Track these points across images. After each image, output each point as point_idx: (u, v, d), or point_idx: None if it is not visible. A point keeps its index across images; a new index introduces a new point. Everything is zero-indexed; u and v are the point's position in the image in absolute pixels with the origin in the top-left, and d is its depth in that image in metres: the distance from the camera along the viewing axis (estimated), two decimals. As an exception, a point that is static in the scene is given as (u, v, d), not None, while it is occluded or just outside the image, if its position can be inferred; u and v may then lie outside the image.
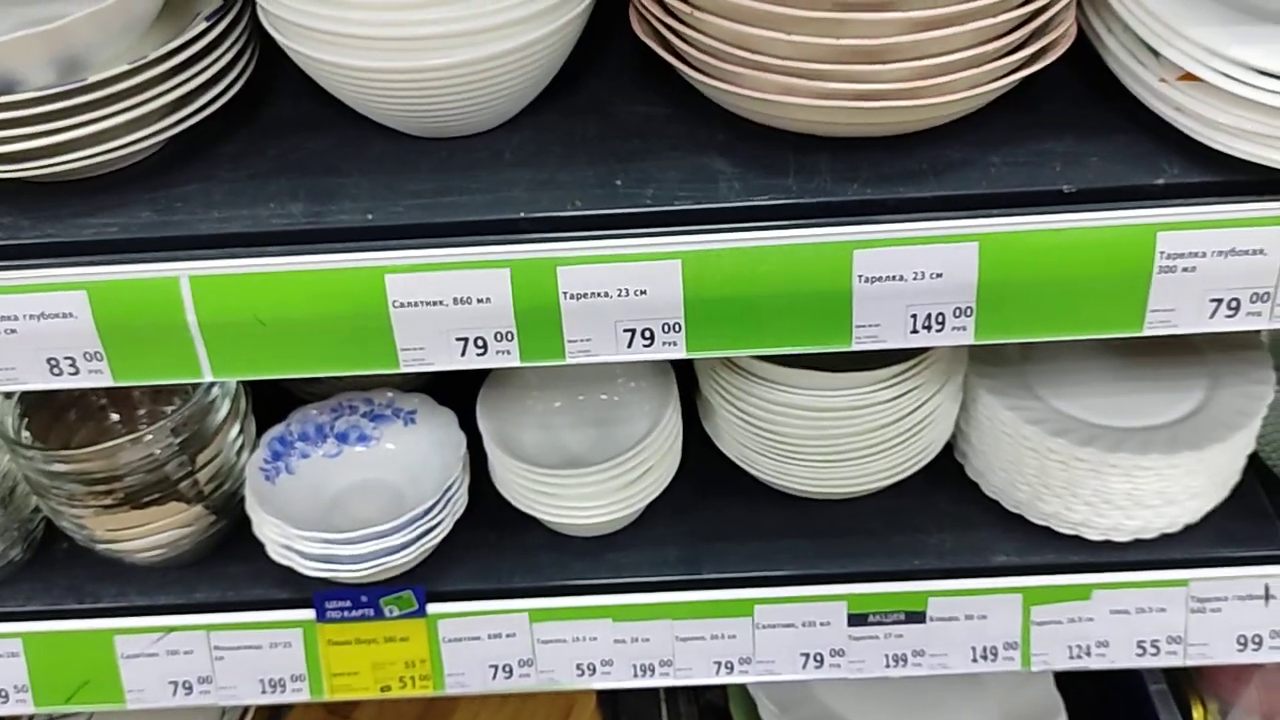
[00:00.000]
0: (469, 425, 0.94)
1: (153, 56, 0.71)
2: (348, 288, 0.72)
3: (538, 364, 0.75)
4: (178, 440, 0.89)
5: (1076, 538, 0.93)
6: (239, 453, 0.95)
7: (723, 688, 1.26)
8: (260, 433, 0.97)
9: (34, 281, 0.72)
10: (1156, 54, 0.70)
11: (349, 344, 0.74)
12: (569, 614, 0.94)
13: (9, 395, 0.92)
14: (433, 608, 0.94)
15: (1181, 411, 0.92)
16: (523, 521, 0.95)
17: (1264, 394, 0.92)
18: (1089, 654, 0.94)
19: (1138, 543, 0.92)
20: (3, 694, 0.96)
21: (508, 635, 0.95)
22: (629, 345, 0.74)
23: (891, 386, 0.88)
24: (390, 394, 0.99)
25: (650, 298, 0.72)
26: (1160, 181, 0.70)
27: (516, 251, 0.71)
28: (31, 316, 0.73)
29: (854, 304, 0.72)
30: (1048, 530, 0.94)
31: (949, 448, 0.99)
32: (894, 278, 0.71)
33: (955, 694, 1.17)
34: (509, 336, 0.74)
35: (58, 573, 0.97)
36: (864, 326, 0.73)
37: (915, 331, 0.73)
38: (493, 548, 0.97)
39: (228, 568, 0.96)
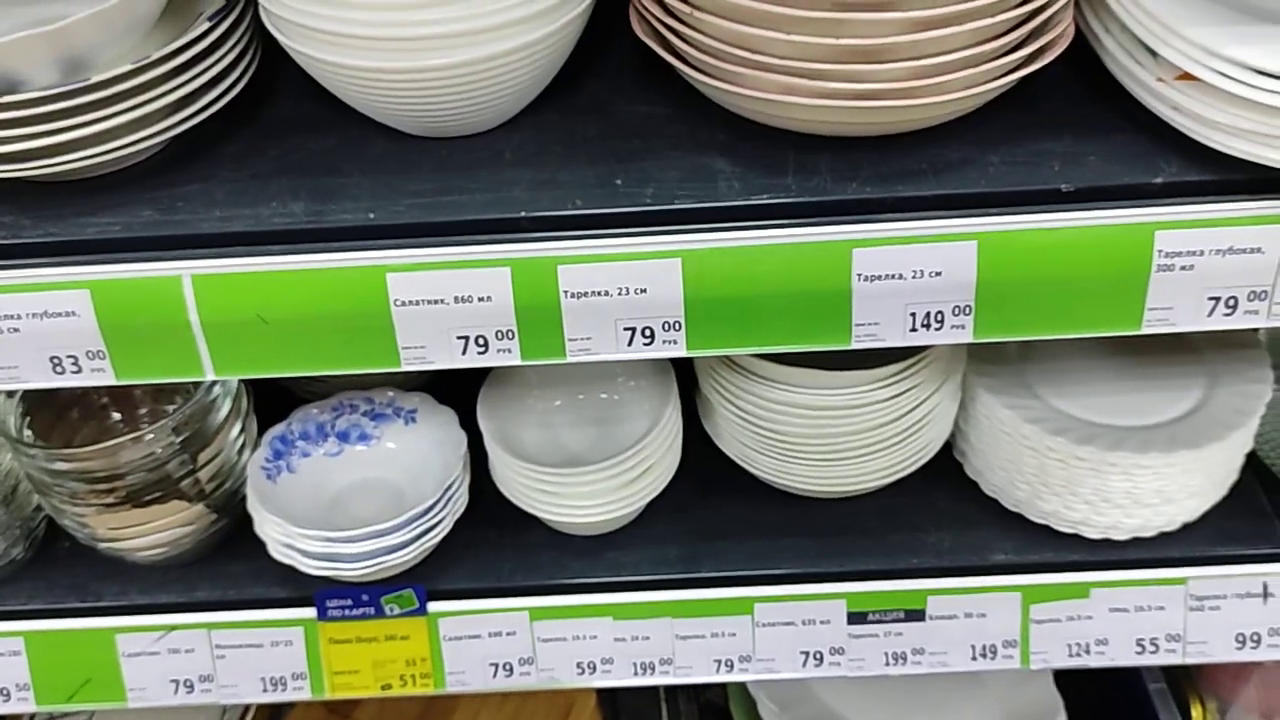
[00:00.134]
0: (469, 424, 0.94)
1: (155, 57, 0.71)
2: (349, 287, 0.72)
3: (538, 362, 0.75)
4: (179, 439, 0.89)
5: (1075, 536, 0.93)
6: (240, 451, 0.96)
7: (722, 687, 1.26)
8: (261, 432, 0.97)
9: (37, 280, 0.73)
10: (1154, 54, 0.70)
11: (350, 342, 0.74)
12: (569, 612, 0.94)
13: (11, 394, 0.92)
14: (433, 606, 0.94)
15: (1180, 410, 0.93)
16: (523, 520, 0.96)
17: (1262, 393, 0.93)
18: (1088, 652, 0.94)
19: (1136, 541, 0.93)
20: (4, 692, 0.96)
21: (508, 634, 0.95)
22: (629, 344, 0.74)
23: (890, 385, 0.88)
24: (391, 393, 1.00)
25: (650, 296, 0.72)
26: (1158, 180, 0.70)
27: (517, 250, 0.71)
28: (34, 315, 0.73)
29: (853, 302, 0.72)
30: (1047, 529, 0.94)
31: (948, 446, 0.99)
32: (893, 276, 0.71)
33: (955, 693, 1.17)
34: (510, 335, 0.74)
35: (59, 571, 0.98)
36: (863, 325, 0.73)
37: (914, 330, 0.73)
38: (493, 546, 0.97)
39: (229, 566, 0.97)
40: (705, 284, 0.72)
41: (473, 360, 0.75)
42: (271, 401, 1.01)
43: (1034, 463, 0.91)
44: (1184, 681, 1.16)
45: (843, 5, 0.65)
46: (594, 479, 0.90)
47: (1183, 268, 0.71)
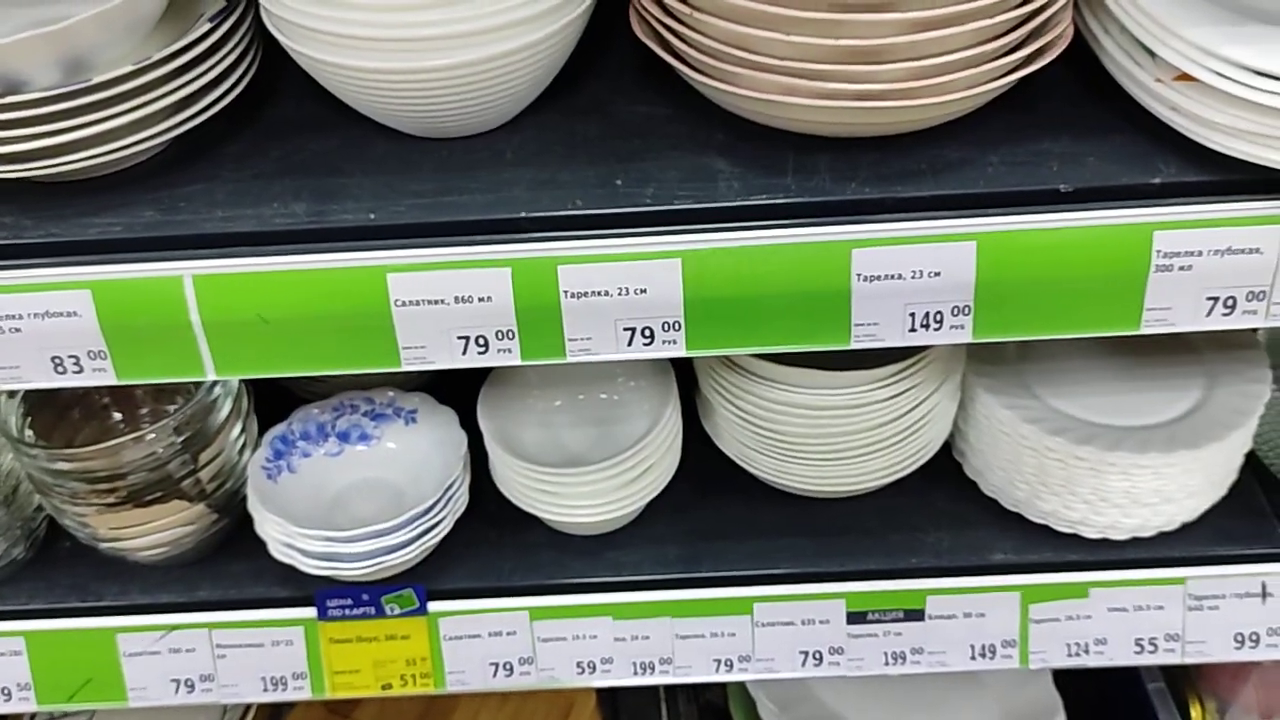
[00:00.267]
0: (469, 424, 0.94)
1: (157, 57, 0.71)
2: (350, 287, 0.73)
3: (538, 362, 0.75)
4: (180, 439, 0.90)
5: (1074, 536, 0.93)
6: (241, 451, 0.96)
7: (722, 687, 1.26)
8: (262, 432, 0.97)
9: (38, 281, 0.73)
10: (1153, 54, 0.70)
11: (351, 342, 0.75)
12: (569, 612, 0.95)
13: (13, 394, 0.92)
14: (433, 606, 0.94)
15: (1179, 410, 0.93)
16: (523, 520, 0.96)
17: (1261, 393, 0.93)
18: (1087, 652, 0.94)
19: (1135, 541, 0.93)
20: (5, 692, 0.97)
21: (508, 633, 0.95)
22: (629, 344, 0.74)
23: (890, 385, 0.88)
24: (391, 393, 1.00)
25: (650, 296, 0.72)
26: (1156, 181, 0.70)
27: (517, 250, 0.72)
28: (36, 315, 0.74)
29: (852, 302, 0.72)
30: (1046, 528, 0.94)
31: (947, 446, 0.99)
32: (892, 276, 0.72)
33: (955, 693, 1.17)
34: (510, 335, 0.74)
35: (60, 571, 0.98)
36: (862, 325, 0.73)
37: (913, 330, 0.74)
38: (493, 546, 0.97)
39: (230, 566, 0.97)
40: (705, 284, 0.72)
41: (473, 360, 0.75)
42: (272, 402, 1.01)
43: (1033, 463, 0.91)
44: (1183, 681, 1.17)
45: (842, 6, 0.66)
46: (594, 479, 0.90)
47: (1181, 268, 0.71)
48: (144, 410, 0.99)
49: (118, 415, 0.99)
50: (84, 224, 0.74)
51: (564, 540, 0.97)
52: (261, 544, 0.92)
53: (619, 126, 0.78)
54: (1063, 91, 0.77)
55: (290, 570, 0.91)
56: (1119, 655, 0.94)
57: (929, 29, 0.66)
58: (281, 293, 0.73)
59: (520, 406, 0.98)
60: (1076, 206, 0.70)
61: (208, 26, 0.74)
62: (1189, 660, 0.94)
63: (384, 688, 0.97)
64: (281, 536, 0.90)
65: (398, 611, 0.94)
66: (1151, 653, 0.94)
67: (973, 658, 0.95)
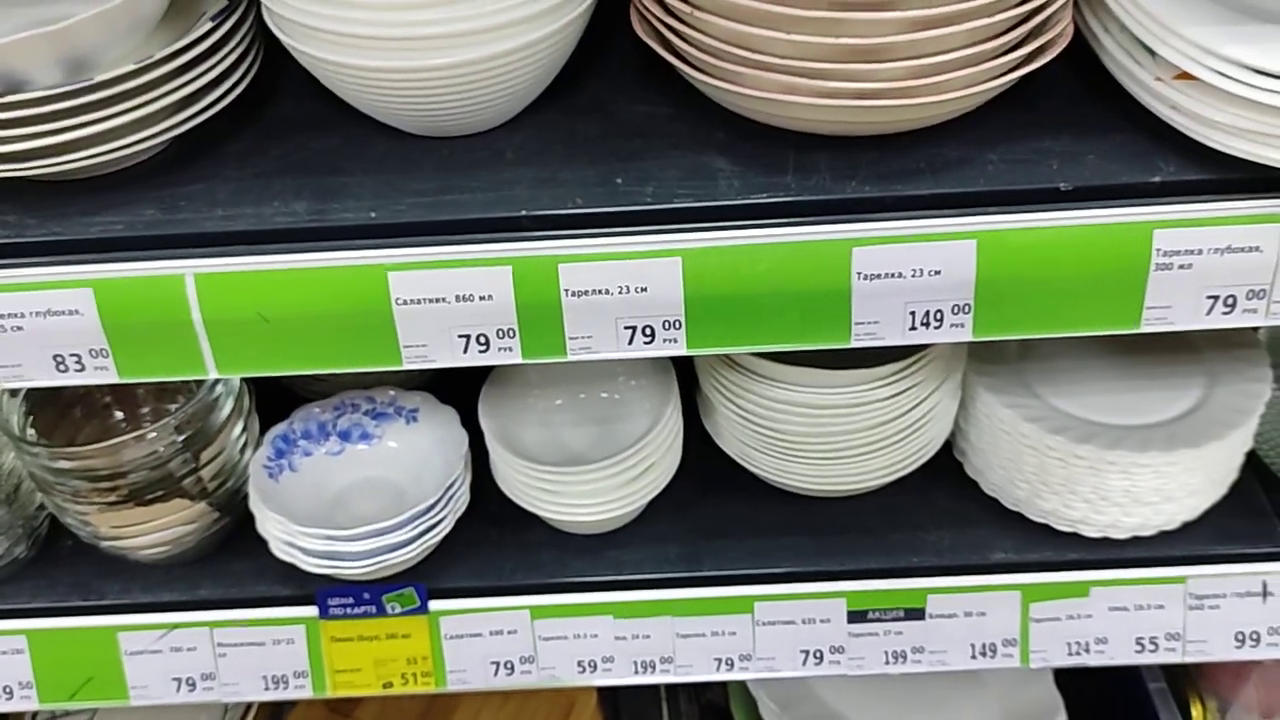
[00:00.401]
0: (471, 423, 0.95)
1: (158, 56, 0.72)
2: (351, 285, 0.73)
3: (539, 361, 0.75)
4: (181, 438, 0.90)
5: (1075, 535, 0.93)
6: (242, 450, 0.96)
7: (723, 686, 1.26)
8: (263, 431, 0.97)
9: (40, 279, 0.73)
10: (1153, 53, 0.70)
11: (352, 341, 0.75)
12: (570, 611, 0.95)
13: (15, 393, 0.93)
14: (435, 604, 0.94)
15: (1179, 409, 0.93)
16: (524, 519, 0.96)
17: (1261, 392, 0.93)
18: (1088, 651, 0.94)
19: (1136, 540, 0.93)
20: (7, 690, 0.97)
21: (509, 632, 0.95)
22: (629, 342, 0.74)
23: (890, 384, 0.88)
24: (392, 392, 1.00)
25: (650, 295, 0.73)
26: (1157, 179, 0.70)
27: (518, 249, 0.72)
28: (38, 314, 0.74)
29: (853, 301, 0.72)
30: (1046, 527, 0.94)
31: (948, 445, 0.99)
32: (892, 275, 0.72)
33: (956, 692, 1.17)
34: (511, 333, 0.74)
35: (62, 570, 0.98)
36: (863, 323, 0.73)
37: (914, 328, 0.74)
38: (494, 545, 0.97)
39: (231, 565, 0.97)
40: (705, 283, 0.72)
41: (474, 359, 0.75)
42: (273, 401, 1.01)
43: (1033, 461, 0.91)
44: (1184, 681, 1.17)
45: (841, 5, 0.66)
46: (595, 478, 0.90)
47: (1181, 266, 0.71)
48: (145, 409, 0.99)
49: (119, 414, 1.00)
50: (85, 223, 0.74)
51: (565, 539, 0.97)
52: (263, 543, 0.92)
53: (619, 125, 0.78)
54: (1063, 90, 0.77)
55: (291, 569, 0.91)
56: (1120, 654, 0.94)
57: (929, 28, 0.66)
58: (282, 291, 0.73)
59: (521, 405, 0.98)
60: (1076, 205, 0.70)
61: (209, 26, 0.74)
62: (1190, 659, 0.94)
63: (385, 686, 0.97)
64: (283, 535, 0.90)
65: (399, 610, 0.94)
66: (1152, 652, 0.94)
67: (973, 657, 0.95)
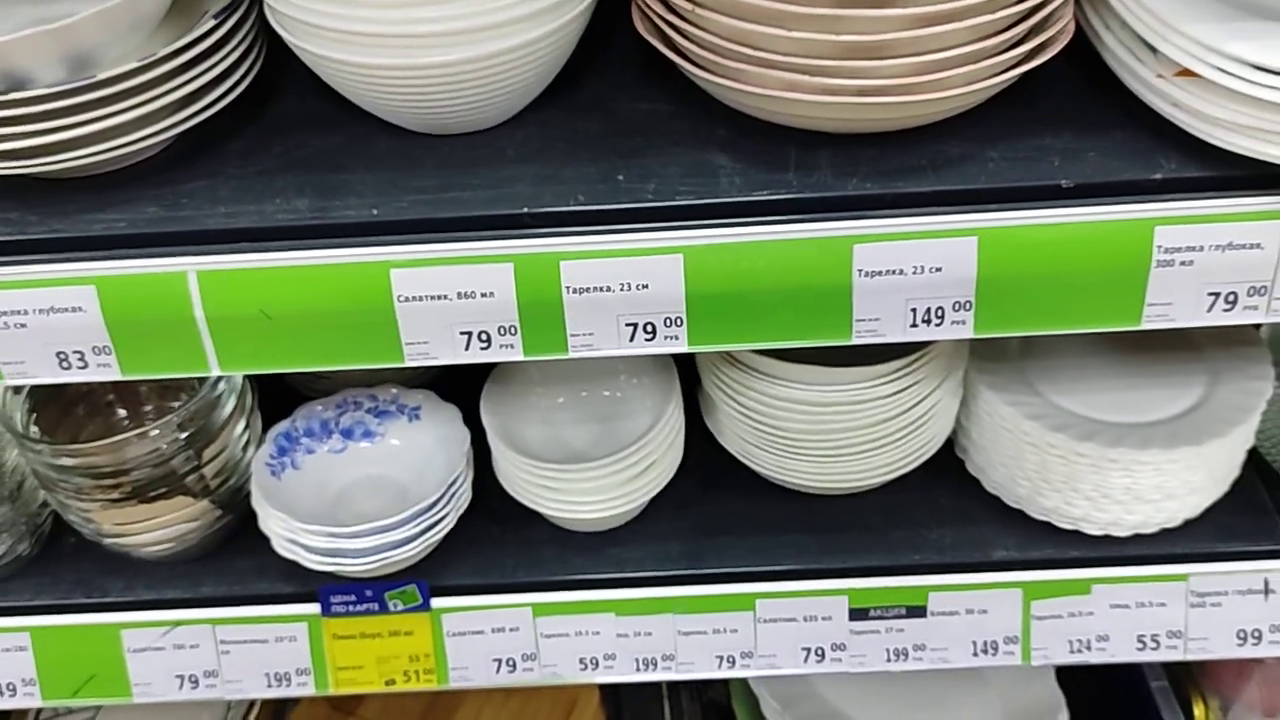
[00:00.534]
0: (473, 421, 0.95)
1: (161, 54, 0.72)
2: (353, 282, 0.73)
3: (540, 358, 0.75)
4: (184, 435, 0.90)
5: (1076, 533, 0.93)
6: (245, 448, 0.96)
7: (725, 685, 1.27)
8: (266, 428, 0.97)
9: (43, 276, 0.73)
10: (1154, 50, 0.70)
11: (354, 338, 0.75)
12: (572, 608, 0.95)
13: (18, 391, 0.93)
14: (437, 602, 0.95)
15: (1181, 407, 0.93)
16: (526, 516, 0.96)
17: (1263, 390, 0.93)
18: (1089, 648, 0.94)
19: (1137, 537, 0.93)
20: (11, 687, 0.97)
21: (511, 629, 0.95)
22: (631, 339, 0.75)
23: (892, 381, 0.88)
24: (395, 390, 1.00)
25: (652, 292, 0.73)
26: (1158, 176, 0.70)
27: (520, 246, 0.72)
28: (41, 311, 0.74)
29: (854, 298, 0.73)
30: (1048, 525, 0.94)
31: (950, 443, 0.99)
32: (893, 272, 0.72)
33: (958, 691, 1.17)
34: (512, 330, 0.74)
35: (65, 567, 0.98)
36: (864, 320, 0.73)
37: (915, 325, 0.74)
38: (496, 542, 0.97)
39: (234, 562, 0.97)
40: (706, 280, 0.72)
41: (475, 356, 0.75)
42: (276, 398, 1.01)
43: (1035, 459, 0.91)
44: (1186, 680, 1.16)
45: (843, 2, 0.66)
46: (597, 475, 0.90)
47: (1182, 263, 0.71)
48: (148, 407, 1.00)
49: (122, 412, 1.00)
50: (88, 220, 0.74)
51: (567, 536, 0.97)
52: (265, 540, 0.92)
53: (621, 123, 0.78)
54: (1064, 87, 0.77)
55: (294, 566, 0.91)
56: (1121, 652, 0.94)
57: (930, 24, 0.66)
58: (285, 288, 0.73)
59: (523, 403, 0.98)
60: (1078, 202, 0.70)
61: (212, 23, 0.75)
62: (1191, 657, 0.94)
63: (387, 684, 0.97)
64: (285, 532, 0.91)
65: (401, 608, 0.94)
66: (1154, 649, 0.94)
67: (975, 654, 0.95)
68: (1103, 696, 1.19)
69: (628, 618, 0.95)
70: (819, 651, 0.95)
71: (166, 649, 0.96)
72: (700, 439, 0.99)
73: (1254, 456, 0.97)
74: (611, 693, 1.26)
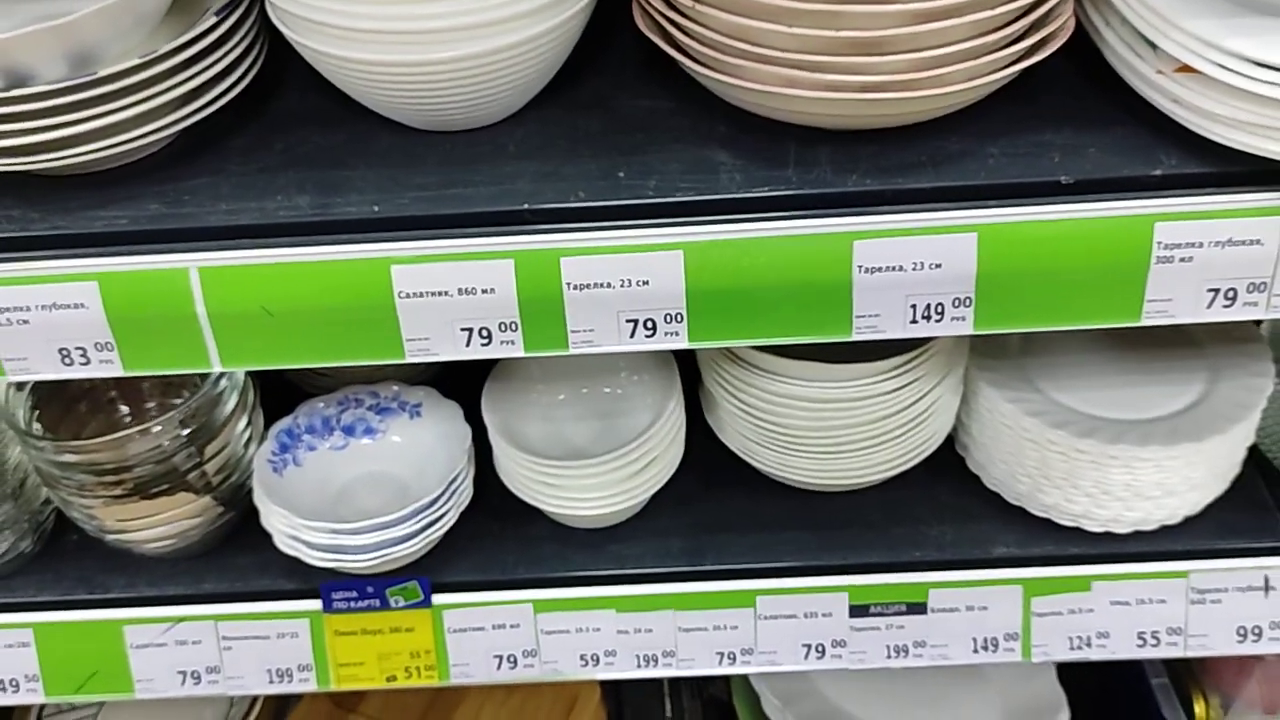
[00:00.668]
0: (474, 418, 0.95)
1: (163, 51, 0.72)
2: (354, 279, 0.73)
3: (541, 354, 0.75)
4: (186, 432, 0.90)
5: (1077, 529, 0.93)
6: (247, 445, 0.96)
7: (726, 682, 1.27)
8: (268, 425, 0.98)
9: (45, 273, 0.73)
10: (1154, 46, 0.70)
11: (355, 334, 0.75)
12: (572, 605, 0.95)
13: (21, 388, 0.93)
14: (438, 598, 0.95)
15: (1181, 404, 0.93)
16: (527, 513, 0.96)
17: (1263, 386, 0.93)
18: (1089, 645, 0.94)
19: (1138, 534, 0.93)
20: (14, 683, 0.97)
21: (512, 626, 0.95)
22: (631, 335, 0.75)
23: (892, 378, 0.89)
24: (396, 387, 1.00)
25: (652, 288, 0.73)
26: (1158, 172, 0.70)
27: (520, 242, 0.72)
28: (43, 307, 0.74)
29: (854, 294, 0.73)
30: (1048, 522, 0.94)
31: (950, 440, 0.99)
32: (893, 268, 0.72)
33: (958, 688, 1.17)
34: (513, 327, 0.75)
35: (68, 564, 0.98)
36: (864, 317, 0.74)
37: (915, 322, 0.74)
38: (497, 539, 0.98)
39: (236, 558, 0.97)
40: (707, 276, 0.72)
41: (476, 352, 0.76)
42: (278, 395, 1.01)
43: (1035, 456, 0.91)
44: (1187, 677, 1.17)
45: (843, -2, 0.66)
46: (597, 472, 0.90)
47: (1182, 259, 0.71)
48: (150, 404, 1.00)
49: (124, 409, 1.00)
50: (90, 217, 0.74)
51: (567, 533, 0.97)
52: (267, 536, 0.93)
53: (621, 120, 0.78)
54: (1064, 83, 0.77)
55: (296, 563, 0.92)
56: (1121, 649, 0.94)
57: (930, 20, 0.66)
58: (286, 285, 0.73)
59: (524, 400, 0.98)
60: (1078, 198, 0.70)
61: (213, 20, 0.75)
62: (1191, 654, 0.94)
63: (388, 680, 0.97)
64: (287, 529, 0.91)
65: (402, 604, 0.94)
66: (1154, 646, 0.94)
67: (975, 651, 0.95)
68: (1104, 694, 1.19)
69: (628, 614, 0.95)
70: (819, 648, 0.95)
71: (168, 645, 0.96)
72: (701, 436, 0.99)
73: (1254, 453, 0.97)
74: (613, 690, 1.27)
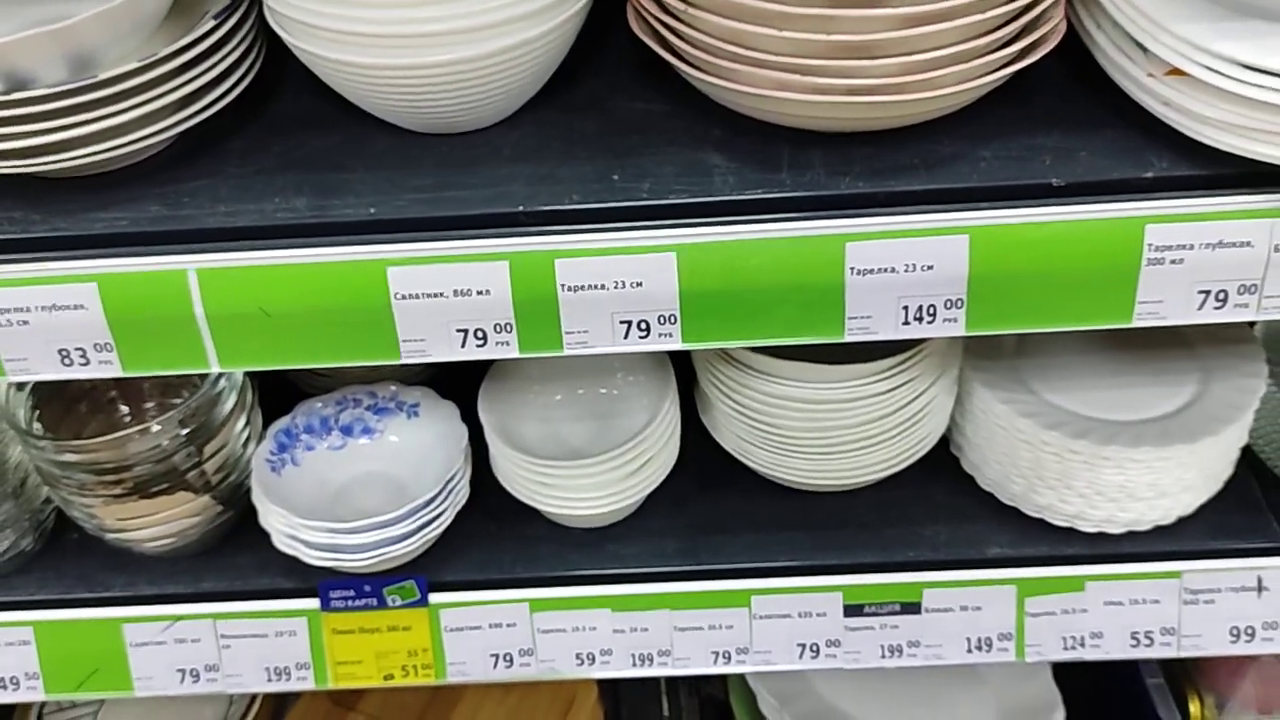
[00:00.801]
0: (471, 418, 0.95)
1: (162, 54, 0.73)
2: (351, 280, 0.74)
3: (536, 355, 0.76)
4: (185, 432, 0.91)
5: (1070, 530, 0.94)
6: (245, 444, 0.97)
7: (723, 681, 1.27)
8: (266, 425, 0.98)
9: (45, 274, 0.74)
10: (1144, 49, 0.71)
11: (352, 335, 0.76)
12: (569, 604, 0.95)
13: (21, 388, 0.94)
14: (435, 597, 0.95)
15: (1174, 405, 0.93)
16: (523, 513, 0.97)
17: (1256, 387, 0.93)
18: (1083, 645, 0.95)
19: (1131, 535, 0.93)
20: (14, 681, 0.98)
21: (508, 625, 0.96)
22: (625, 337, 0.75)
23: (886, 379, 0.89)
24: (393, 387, 1.01)
25: (646, 290, 0.73)
26: (1148, 175, 0.71)
27: (515, 244, 0.72)
28: (43, 308, 0.75)
29: (846, 296, 0.73)
30: (1042, 522, 0.94)
31: (945, 441, 1.00)
32: (886, 270, 0.72)
33: (954, 688, 1.18)
34: (508, 328, 0.75)
35: (68, 562, 0.99)
36: (856, 318, 0.74)
37: (907, 323, 0.74)
38: (494, 538, 0.98)
39: (234, 557, 0.98)
40: (700, 278, 0.73)
41: (471, 353, 0.76)
42: (276, 395, 1.02)
43: (1029, 457, 0.92)
44: (1182, 677, 1.17)
45: (833, 2, 0.66)
46: (593, 472, 0.91)
47: (1173, 261, 0.71)
48: (150, 404, 1.00)
49: (124, 408, 1.01)
50: (90, 219, 0.75)
51: (563, 533, 0.98)
52: (265, 536, 0.93)
53: (616, 123, 0.79)
54: (1055, 86, 0.78)
55: (294, 562, 0.92)
56: (1114, 649, 0.95)
57: (921, 24, 0.67)
58: (284, 286, 0.74)
59: (520, 401, 0.98)
60: (1069, 200, 0.71)
61: (212, 24, 0.75)
62: (1184, 654, 0.94)
63: (386, 678, 0.98)
64: (285, 528, 0.91)
65: (399, 603, 0.95)
66: (1147, 646, 0.94)
67: (969, 650, 0.95)
68: (1099, 694, 1.20)
69: (624, 613, 0.96)
70: (814, 647, 0.96)
71: (168, 643, 0.97)
72: (696, 436, 1.00)
73: (1247, 454, 0.97)
74: (610, 688, 1.27)
